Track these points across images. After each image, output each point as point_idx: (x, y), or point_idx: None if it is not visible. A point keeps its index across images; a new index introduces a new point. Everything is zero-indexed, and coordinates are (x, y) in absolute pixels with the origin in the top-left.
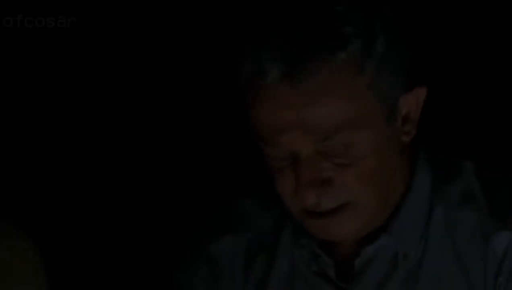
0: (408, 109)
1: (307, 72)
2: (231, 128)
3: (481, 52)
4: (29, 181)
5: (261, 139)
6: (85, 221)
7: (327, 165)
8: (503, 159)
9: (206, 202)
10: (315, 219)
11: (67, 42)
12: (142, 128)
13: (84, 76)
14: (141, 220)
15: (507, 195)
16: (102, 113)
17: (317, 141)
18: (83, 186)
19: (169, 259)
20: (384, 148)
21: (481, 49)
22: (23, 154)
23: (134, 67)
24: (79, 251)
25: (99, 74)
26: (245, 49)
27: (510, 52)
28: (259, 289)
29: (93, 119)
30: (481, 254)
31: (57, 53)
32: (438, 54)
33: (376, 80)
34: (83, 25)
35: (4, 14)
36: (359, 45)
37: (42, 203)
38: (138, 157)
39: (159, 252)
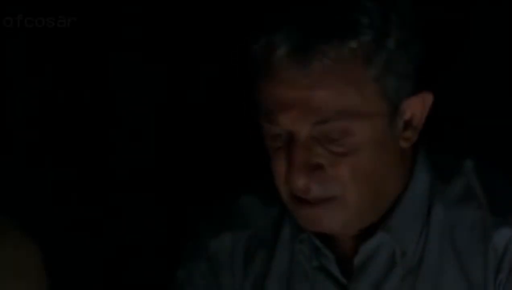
0: (412, 114)
1: (314, 54)
2: (231, 125)
3: (481, 52)
4: (29, 181)
5: (263, 116)
6: (85, 221)
7: (322, 151)
8: (503, 159)
9: (206, 199)
10: (303, 207)
11: (67, 42)
12: (142, 127)
13: (84, 76)
14: (141, 219)
15: (507, 193)
16: (102, 112)
17: (315, 124)
18: (83, 186)
19: (170, 258)
20: (381, 146)
21: (480, 49)
22: (23, 154)
23: (134, 67)
24: (79, 250)
25: (99, 74)
26: (260, 26)
27: (510, 52)
28: (258, 284)
29: (93, 119)
30: (481, 252)
31: (57, 53)
32: (439, 55)
33: (382, 75)
34: (83, 25)
35: (4, 14)
36: (372, 37)
37: (42, 203)
38: (138, 157)
39: (159, 250)
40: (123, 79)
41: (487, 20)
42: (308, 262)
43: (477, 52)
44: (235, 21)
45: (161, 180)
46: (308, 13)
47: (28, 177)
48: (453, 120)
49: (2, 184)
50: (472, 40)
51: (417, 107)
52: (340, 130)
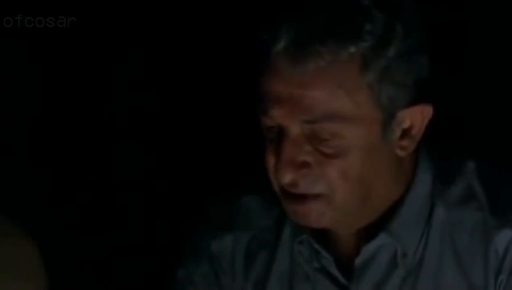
0: (411, 124)
1: (309, 54)
2: (232, 126)
3: (482, 53)
4: (29, 181)
5: (261, 106)
6: (85, 221)
7: (311, 150)
8: (503, 159)
9: (206, 199)
10: (292, 201)
11: (67, 42)
12: (142, 127)
13: (84, 76)
14: (141, 219)
15: (508, 195)
16: (102, 112)
17: (305, 123)
18: (83, 186)
19: (170, 258)
20: (372, 152)
21: (481, 49)
22: (23, 154)
23: (134, 67)
24: (79, 250)
25: (99, 74)
26: (265, 20)
27: (509, 52)
28: (259, 286)
29: (93, 119)
30: (482, 253)
31: (57, 53)
32: (439, 55)
33: (377, 83)
34: (83, 25)
35: (4, 14)
36: (372, 44)
37: (42, 203)
38: (138, 156)
39: (159, 250)
40: (122, 78)
41: (488, 20)
42: (307, 263)
43: (478, 53)
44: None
45: (161, 180)
46: (313, 12)
47: (28, 177)
48: (455, 121)
49: (2, 184)
50: (473, 40)
51: (417, 117)
52: (330, 131)
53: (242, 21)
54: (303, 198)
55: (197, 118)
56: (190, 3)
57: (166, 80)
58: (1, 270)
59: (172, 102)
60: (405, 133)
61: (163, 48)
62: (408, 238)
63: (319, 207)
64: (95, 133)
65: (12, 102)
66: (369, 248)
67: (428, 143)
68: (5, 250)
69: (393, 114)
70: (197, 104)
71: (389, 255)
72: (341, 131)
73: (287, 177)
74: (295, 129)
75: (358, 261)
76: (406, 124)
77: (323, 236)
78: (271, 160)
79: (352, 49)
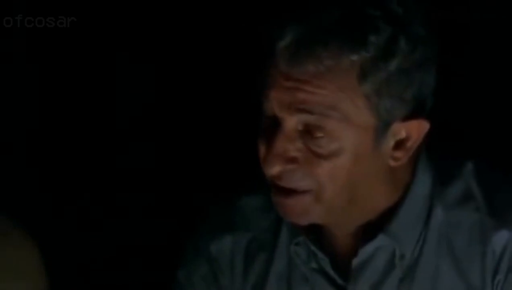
0: (407, 136)
1: (306, 58)
2: (232, 126)
3: (482, 53)
4: (29, 181)
5: (263, 92)
6: (85, 221)
7: (301, 147)
8: (502, 160)
9: (206, 200)
10: (278, 194)
11: (67, 42)
12: (142, 127)
13: (84, 75)
14: (141, 219)
15: (506, 195)
16: (102, 112)
17: (302, 113)
18: (84, 186)
19: (170, 258)
20: (362, 158)
21: (481, 49)
22: (23, 154)
23: (133, 67)
24: (80, 250)
25: (98, 74)
26: (281, 15)
27: (509, 53)
28: (258, 287)
29: (93, 119)
30: (480, 254)
31: (57, 53)
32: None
33: (375, 94)
34: (82, 25)
35: (4, 14)
36: (373, 55)
37: (42, 203)
38: (138, 156)
39: (159, 251)
40: (122, 78)
41: (487, 20)
42: (305, 264)
43: (478, 53)
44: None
45: (162, 180)
46: (320, 15)
47: (28, 177)
48: (453, 121)
49: (2, 184)
50: (473, 41)
51: (413, 130)
52: (324, 129)
53: (243, 20)
54: (290, 192)
55: (197, 118)
56: (191, 3)
57: (167, 80)
58: (1, 270)
59: (173, 102)
60: (400, 145)
61: (163, 48)
62: (406, 239)
63: (305, 203)
64: (95, 132)
65: (12, 102)
66: (367, 249)
67: (427, 144)
68: (5, 250)
69: (388, 124)
70: (198, 104)
71: (387, 256)
72: (335, 130)
73: (274, 169)
74: (290, 122)
75: (355, 261)
76: (401, 136)
77: (320, 237)
78: (262, 150)
79: (354, 57)
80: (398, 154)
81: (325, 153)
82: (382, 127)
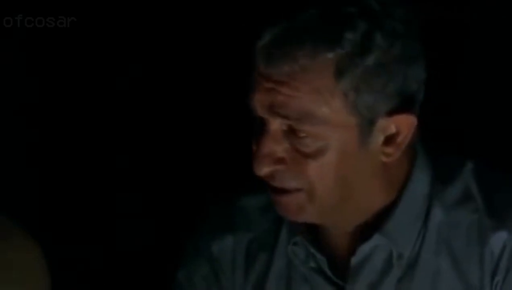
0: (397, 131)
1: (282, 57)
2: (231, 126)
3: (481, 53)
4: (29, 181)
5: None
6: (85, 221)
7: (288, 147)
8: (502, 160)
9: (206, 200)
10: (274, 193)
11: (67, 42)
12: (142, 127)
13: (84, 76)
14: (141, 219)
15: (505, 195)
16: (102, 112)
17: (281, 118)
18: (83, 186)
19: (171, 258)
20: (350, 156)
21: (481, 49)
22: (23, 154)
23: (133, 67)
24: (81, 251)
25: (98, 74)
26: (264, 18)
27: (508, 53)
28: (258, 287)
29: (93, 119)
30: (478, 255)
31: (57, 53)
32: (439, 55)
33: (353, 91)
34: (82, 25)
35: (4, 14)
36: (349, 52)
37: (42, 203)
38: (138, 156)
39: (159, 251)
40: (122, 78)
41: (487, 20)
42: (303, 264)
43: (477, 52)
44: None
45: (162, 180)
46: (297, 15)
47: (28, 177)
48: (452, 121)
49: (2, 184)
50: (472, 40)
51: (402, 125)
52: (305, 131)
53: (240, 21)
54: (283, 191)
55: (198, 118)
56: (190, 3)
57: (167, 80)
58: (4, 271)
59: (173, 102)
60: (390, 140)
61: (163, 48)
62: (404, 239)
63: (299, 200)
64: (95, 132)
65: (12, 102)
66: (364, 249)
67: (425, 143)
68: (6, 251)
69: (372, 121)
70: (198, 104)
71: (385, 256)
72: (316, 133)
73: (262, 170)
74: (274, 124)
75: (353, 261)
76: (391, 131)
77: (318, 237)
78: (253, 151)
79: (329, 55)
80: (389, 149)
81: (311, 152)
82: (366, 124)
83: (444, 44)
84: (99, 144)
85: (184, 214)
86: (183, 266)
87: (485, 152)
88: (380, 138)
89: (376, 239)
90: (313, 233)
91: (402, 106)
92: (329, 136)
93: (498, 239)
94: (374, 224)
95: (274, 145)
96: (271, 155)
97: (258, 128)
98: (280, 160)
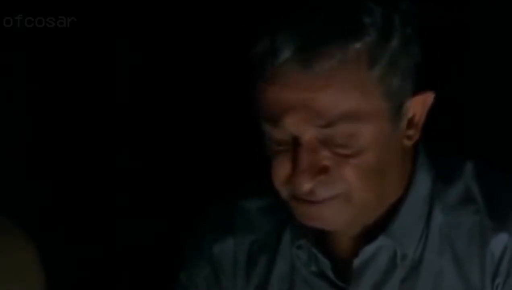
0: (413, 113)
1: (318, 57)
2: (232, 127)
3: (482, 52)
4: (29, 181)
5: (266, 120)
6: (85, 221)
7: (327, 154)
8: (502, 160)
9: (207, 201)
10: (306, 206)
11: (67, 42)
12: (142, 127)
13: (84, 76)
14: (141, 219)
15: (506, 195)
16: (102, 112)
17: (320, 127)
18: (83, 186)
19: (172, 260)
20: (385, 147)
21: (481, 48)
22: (23, 154)
23: (133, 67)
24: (81, 251)
25: (98, 74)
26: (262, 29)
27: (509, 53)
28: (260, 289)
29: (93, 119)
30: (479, 256)
31: (57, 53)
32: (439, 55)
33: (386, 76)
34: (83, 25)
35: (4, 14)
36: (375, 38)
37: (42, 203)
38: (138, 157)
39: (159, 251)
40: (122, 78)
41: (488, 21)
42: (305, 267)
43: (477, 53)
44: (232, 23)
45: (162, 180)
46: (311, 14)
47: (28, 177)
48: (453, 121)
49: (2, 184)
50: (472, 40)
51: (418, 105)
52: (345, 133)
53: (240, 21)
54: (320, 201)
55: (198, 119)
56: (190, 3)
57: (168, 80)
58: (0, 273)
59: (174, 102)
60: (410, 122)
61: (164, 49)
62: (408, 240)
63: (337, 207)
64: (95, 132)
65: (12, 102)
66: (368, 250)
67: (427, 143)
68: (4, 251)
69: (401, 104)
70: (199, 105)
71: (388, 256)
72: (355, 131)
73: (305, 187)
74: (308, 135)
75: (356, 261)
76: (411, 113)
77: (321, 240)
78: (283, 170)
79: (358, 45)
80: (411, 132)
81: (352, 152)
82: (397, 109)
83: (444, 44)
84: (99, 144)
85: (184, 214)
86: (185, 268)
87: (485, 152)
88: (405, 122)
89: (380, 240)
90: (317, 236)
91: (417, 85)
92: (368, 131)
93: (499, 241)
94: (377, 226)
95: (312, 156)
96: (312, 168)
97: (282, 149)
98: (322, 170)
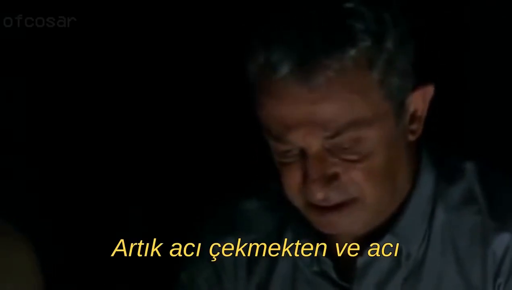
0: (415, 107)
1: (316, 69)
2: (234, 127)
3: (482, 52)
4: (29, 181)
5: (270, 135)
6: (85, 221)
7: (335, 160)
8: (503, 160)
9: (209, 202)
10: (322, 213)
11: (67, 42)
12: (142, 127)
13: (84, 76)
14: (141, 219)
15: (508, 196)
16: (102, 112)
17: (327, 138)
18: (83, 186)
19: (171, 259)
20: (392, 146)
21: (481, 48)
22: (23, 154)
23: (133, 67)
24: (80, 251)
25: (98, 74)
26: (256, 44)
27: (509, 52)
28: (261, 289)
29: (93, 119)
30: (481, 256)
31: (57, 53)
32: (439, 53)
33: (386, 77)
34: (82, 25)
35: (4, 14)
36: (370, 42)
37: (42, 203)
38: (139, 157)
39: (159, 251)
40: (122, 78)
41: (488, 21)
42: (308, 267)
43: (478, 53)
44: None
45: (162, 180)
46: (303, 27)
47: (28, 177)
48: (455, 120)
49: (1, 185)
50: (472, 40)
51: (418, 99)
52: (351, 140)
53: (239, 22)
54: (336, 207)
55: (199, 119)
56: (191, 3)
57: (168, 80)
58: None
59: (173, 102)
60: (412, 117)
61: (164, 49)
62: (413, 239)
63: (353, 212)
64: (95, 132)
65: (12, 102)
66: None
67: (429, 144)
68: (2, 253)
69: (403, 102)
70: (199, 104)
71: (392, 256)
72: (361, 137)
73: (319, 195)
74: (317, 146)
75: (360, 261)
76: (412, 108)
77: (323, 239)
78: (294, 180)
79: (354, 52)
80: (414, 126)
81: (359, 157)
82: (399, 108)
83: (444, 45)
84: (99, 144)
85: (185, 214)
86: (186, 268)
87: (486, 152)
88: (407, 118)
89: (386, 239)
90: (318, 236)
91: (416, 80)
92: (374, 135)
93: (501, 241)
94: (381, 225)
95: (322, 165)
96: (323, 176)
97: (290, 160)
98: (333, 177)
